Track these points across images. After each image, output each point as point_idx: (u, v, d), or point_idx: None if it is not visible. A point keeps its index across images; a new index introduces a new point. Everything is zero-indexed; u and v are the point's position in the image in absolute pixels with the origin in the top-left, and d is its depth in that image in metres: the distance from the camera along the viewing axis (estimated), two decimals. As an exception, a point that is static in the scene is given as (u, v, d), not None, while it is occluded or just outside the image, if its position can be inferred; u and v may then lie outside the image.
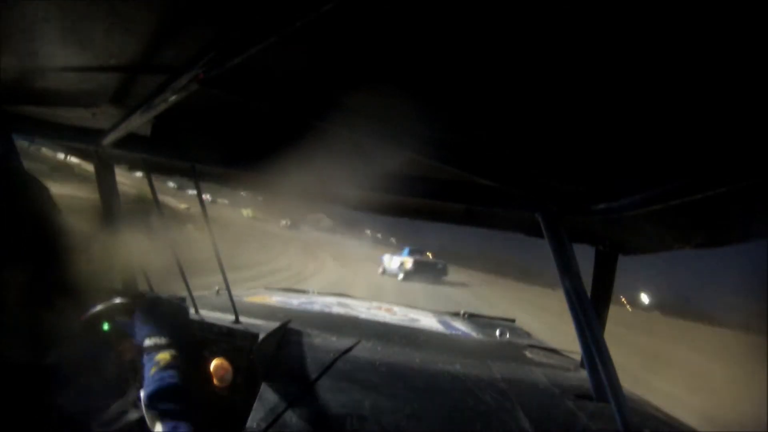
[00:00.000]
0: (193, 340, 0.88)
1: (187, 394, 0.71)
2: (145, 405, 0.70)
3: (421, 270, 12.34)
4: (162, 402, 0.68)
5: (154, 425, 0.68)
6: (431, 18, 0.42)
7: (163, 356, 0.73)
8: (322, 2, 0.37)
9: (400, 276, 12.23)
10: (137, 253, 1.16)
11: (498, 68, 0.49)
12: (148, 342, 0.74)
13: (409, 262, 12.56)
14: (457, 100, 0.59)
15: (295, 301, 1.81)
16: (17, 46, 0.62)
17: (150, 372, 0.71)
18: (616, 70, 0.44)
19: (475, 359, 1.17)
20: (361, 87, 0.60)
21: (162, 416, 0.68)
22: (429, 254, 13.70)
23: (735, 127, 0.49)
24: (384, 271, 12.95)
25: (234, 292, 1.14)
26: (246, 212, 35.84)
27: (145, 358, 0.73)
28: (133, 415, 0.90)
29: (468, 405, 0.90)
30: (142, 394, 0.71)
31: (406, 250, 13.53)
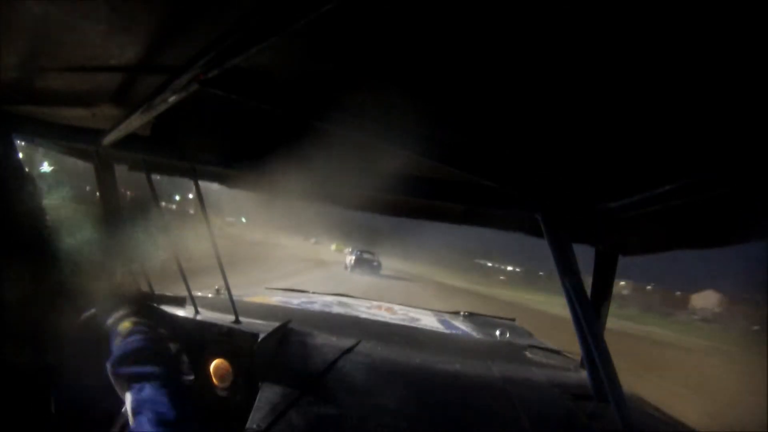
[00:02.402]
0: (188, 336, 0.87)
1: (153, 354, 0.67)
2: (111, 375, 0.66)
3: (360, 264, 17.20)
4: (124, 367, 0.64)
5: (123, 394, 0.64)
6: (432, 18, 0.42)
7: (124, 325, 0.70)
8: (322, 2, 0.37)
9: (349, 269, 16.95)
10: (138, 254, 1.16)
11: (498, 69, 0.49)
12: (109, 321, 0.72)
13: (352, 259, 17.64)
14: (458, 100, 0.59)
15: (295, 301, 1.81)
16: (17, 46, 0.62)
17: (114, 344, 0.68)
18: (616, 70, 0.44)
19: (475, 359, 1.17)
20: (362, 87, 0.60)
21: (128, 381, 0.63)
22: (372, 254, 18.62)
23: (735, 127, 0.49)
24: (346, 266, 17.51)
25: (234, 293, 1.14)
26: (334, 247, 34.73)
27: (110, 336, 0.70)
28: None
29: (468, 405, 0.90)
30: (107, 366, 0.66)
31: (356, 252, 18.51)
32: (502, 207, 0.92)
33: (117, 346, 0.68)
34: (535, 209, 0.85)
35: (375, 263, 17.76)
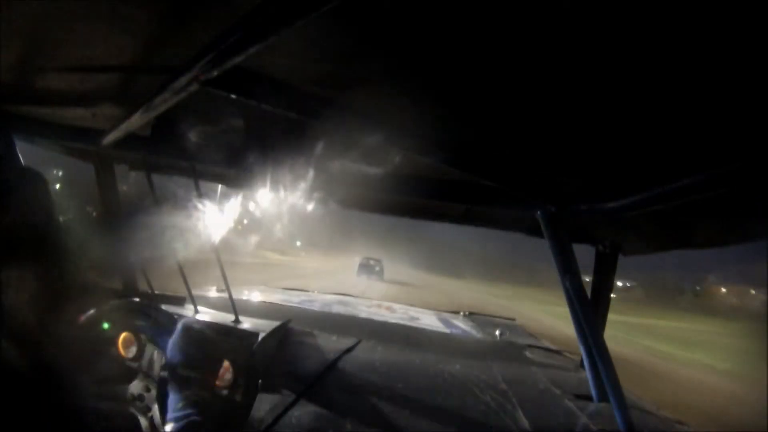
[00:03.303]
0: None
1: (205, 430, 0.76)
2: None
3: (364, 270, 19.73)
4: None
5: None
6: (432, 19, 0.42)
7: (191, 393, 0.77)
8: (322, 2, 0.37)
9: (355, 273, 19.63)
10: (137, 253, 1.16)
11: (498, 69, 0.49)
12: (181, 371, 0.78)
13: (357, 265, 20.53)
14: (458, 100, 0.59)
15: (295, 301, 1.81)
16: (17, 46, 0.62)
17: (177, 404, 0.75)
18: (616, 70, 0.44)
19: (476, 359, 1.17)
20: (362, 87, 0.60)
21: None
22: (377, 261, 21.31)
23: (735, 127, 0.49)
24: (357, 272, 20.16)
25: (234, 292, 1.14)
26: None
27: (172, 385, 0.77)
28: (133, 410, 0.90)
29: (468, 405, 0.90)
30: (167, 428, 0.74)
31: (362, 258, 21.32)
32: (503, 207, 0.92)
33: (179, 410, 0.75)
34: (535, 209, 0.85)
35: (377, 268, 20.41)
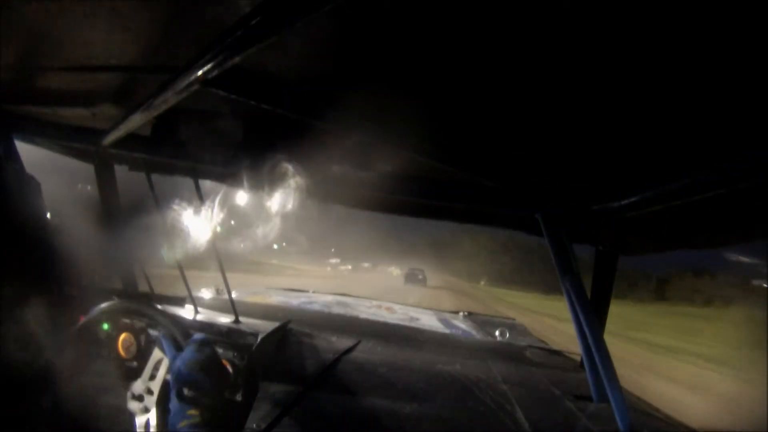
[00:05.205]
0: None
1: None
2: None
3: (410, 278, 23.35)
4: None
5: None
6: (432, 19, 0.42)
7: (195, 413, 0.75)
8: (322, 2, 0.37)
9: (402, 280, 23.24)
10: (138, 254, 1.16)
11: (499, 69, 0.49)
12: (187, 392, 0.77)
13: (404, 274, 24.57)
14: (458, 100, 0.59)
15: (295, 301, 1.81)
16: (17, 46, 0.62)
17: (179, 423, 0.74)
18: (616, 71, 0.44)
19: (476, 359, 1.17)
20: (362, 87, 0.60)
21: None
22: (421, 270, 24.74)
23: (735, 127, 0.49)
24: (404, 280, 23.63)
25: (234, 292, 1.14)
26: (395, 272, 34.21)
27: (175, 402, 0.77)
28: (133, 411, 0.90)
29: (468, 405, 0.90)
30: None
31: (408, 269, 25.09)
32: (503, 207, 0.92)
33: (180, 430, 0.74)
34: (535, 209, 0.85)
35: (420, 276, 23.48)
